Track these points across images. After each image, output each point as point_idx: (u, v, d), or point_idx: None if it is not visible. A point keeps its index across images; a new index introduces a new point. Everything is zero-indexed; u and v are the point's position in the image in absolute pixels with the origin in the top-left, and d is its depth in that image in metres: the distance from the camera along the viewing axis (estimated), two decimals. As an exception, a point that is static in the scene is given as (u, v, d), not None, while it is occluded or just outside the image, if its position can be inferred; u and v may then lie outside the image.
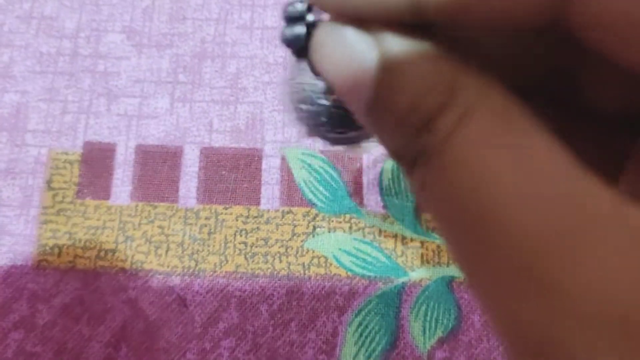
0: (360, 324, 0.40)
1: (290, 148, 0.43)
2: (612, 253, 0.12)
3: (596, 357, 0.11)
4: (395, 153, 0.16)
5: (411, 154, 0.15)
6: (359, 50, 0.15)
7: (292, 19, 0.18)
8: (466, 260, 0.14)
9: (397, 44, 0.15)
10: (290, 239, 0.41)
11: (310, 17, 0.18)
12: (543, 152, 0.13)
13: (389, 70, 0.15)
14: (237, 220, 0.42)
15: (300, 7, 0.18)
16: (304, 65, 0.20)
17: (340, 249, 0.41)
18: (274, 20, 0.47)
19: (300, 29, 0.18)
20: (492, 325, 0.14)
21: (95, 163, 0.43)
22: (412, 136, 0.15)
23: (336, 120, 0.24)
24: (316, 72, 0.19)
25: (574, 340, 0.12)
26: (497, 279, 0.13)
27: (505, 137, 0.13)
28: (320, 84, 0.23)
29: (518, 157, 0.13)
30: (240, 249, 0.41)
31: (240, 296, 0.40)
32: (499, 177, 0.13)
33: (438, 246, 0.41)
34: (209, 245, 0.41)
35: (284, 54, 0.46)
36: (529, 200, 0.13)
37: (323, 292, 0.40)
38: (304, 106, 0.24)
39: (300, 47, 0.18)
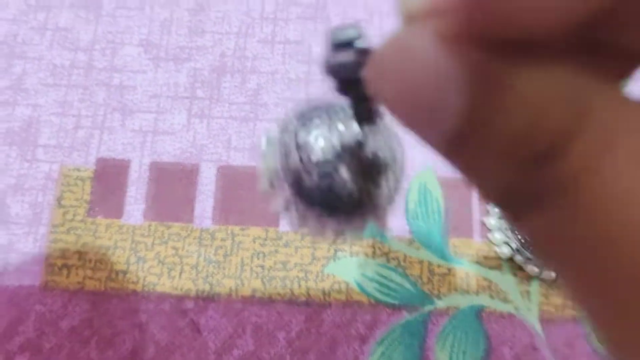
0: (383, 355, 0.37)
1: (311, 167, 0.41)
2: None
3: None
4: (498, 194, 0.13)
5: (524, 194, 0.12)
6: (449, 60, 0.12)
7: (340, 45, 0.16)
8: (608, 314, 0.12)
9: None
10: (310, 263, 0.39)
11: (360, 44, 0.15)
12: None
13: (492, 85, 0.12)
14: (254, 242, 0.40)
15: (352, 32, 0.15)
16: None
17: (362, 275, 0.39)
18: (297, 35, 0.45)
19: (349, 56, 0.15)
20: None
21: (108, 180, 0.41)
22: (528, 170, 0.12)
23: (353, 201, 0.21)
24: (364, 102, 0.17)
25: None
26: None
27: None
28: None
29: None
30: (257, 273, 0.39)
31: (256, 322, 0.38)
32: None
33: (467, 273, 0.39)
34: (224, 268, 0.39)
35: (307, 69, 0.44)
36: None
37: (344, 319, 0.38)
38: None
39: (347, 77, 0.16)
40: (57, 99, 0.43)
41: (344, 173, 0.21)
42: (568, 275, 0.12)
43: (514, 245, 0.39)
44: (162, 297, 0.38)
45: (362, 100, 0.18)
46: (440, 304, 0.38)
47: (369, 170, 0.21)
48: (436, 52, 0.12)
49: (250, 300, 0.38)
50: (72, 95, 0.43)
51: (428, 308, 0.38)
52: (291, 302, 0.38)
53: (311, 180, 0.20)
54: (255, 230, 0.40)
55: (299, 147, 0.21)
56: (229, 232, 0.40)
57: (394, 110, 0.13)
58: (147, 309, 0.38)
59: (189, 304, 0.38)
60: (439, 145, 0.13)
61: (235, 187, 0.41)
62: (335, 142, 0.21)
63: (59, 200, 0.41)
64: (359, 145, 0.21)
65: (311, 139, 0.21)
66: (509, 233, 0.39)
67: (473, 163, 0.13)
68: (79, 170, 0.41)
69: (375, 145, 0.21)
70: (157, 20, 0.45)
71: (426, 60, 0.12)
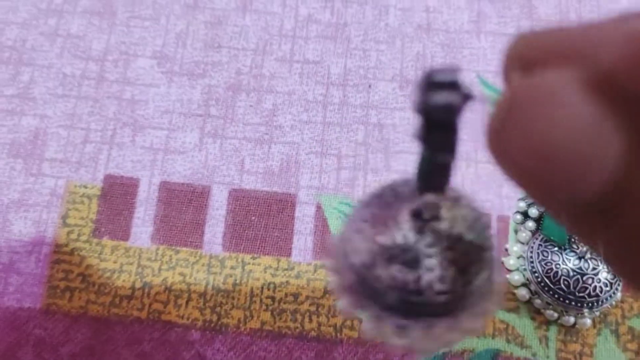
0: (394, 398, 0.36)
1: (326, 195, 0.40)
2: None
3: None
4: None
5: None
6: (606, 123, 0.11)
7: (439, 85, 0.14)
8: None
9: None
10: (322, 297, 0.38)
11: (464, 88, 0.14)
12: None
13: None
14: (265, 272, 0.38)
15: (452, 76, 0.14)
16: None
17: (376, 311, 0.37)
18: (316, 54, 0.43)
19: (453, 97, 0.14)
20: None
21: (116, 199, 0.40)
22: None
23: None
24: (442, 164, 0.15)
25: None
26: None
27: None
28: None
29: None
30: (267, 305, 0.38)
31: (264, 357, 0.37)
32: None
33: (483, 315, 0.38)
34: (233, 298, 0.38)
35: (324, 91, 0.42)
36: None
37: (355, 358, 0.37)
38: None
39: (442, 120, 0.14)
40: (66, 110, 0.41)
41: (428, 261, 0.16)
42: None
43: (532, 288, 0.37)
44: (168, 326, 0.37)
45: (443, 153, 0.15)
46: (456, 346, 0.37)
47: (458, 257, 0.17)
48: (587, 100, 0.10)
49: (259, 334, 0.37)
50: (81, 107, 0.42)
51: (443, 350, 0.37)
52: (301, 337, 0.37)
53: (385, 275, 0.17)
54: (267, 260, 0.38)
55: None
56: (239, 260, 0.38)
57: (521, 169, 0.12)
58: (152, 338, 0.37)
59: (196, 335, 0.37)
60: (575, 213, 0.11)
61: (247, 212, 0.39)
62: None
63: (64, 218, 0.39)
64: (433, 218, 0.17)
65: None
66: (528, 274, 0.37)
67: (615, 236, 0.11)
68: (85, 187, 0.40)
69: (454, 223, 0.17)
70: (173, 32, 0.44)
71: (576, 109, 0.10)
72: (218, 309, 0.37)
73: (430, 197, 0.17)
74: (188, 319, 0.37)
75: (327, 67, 0.43)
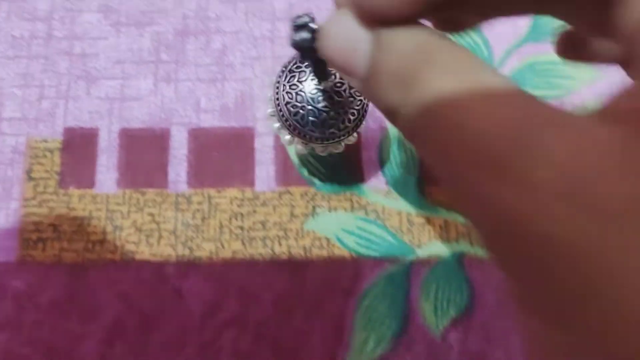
0: (368, 308, 0.37)
1: (283, 125, 0.41)
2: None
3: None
4: (387, 108, 0.20)
5: (400, 106, 0.19)
6: (359, 31, 0.20)
7: (299, 27, 0.23)
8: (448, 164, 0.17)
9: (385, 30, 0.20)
10: (289, 221, 0.39)
11: (313, 26, 0.23)
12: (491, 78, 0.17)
13: (381, 44, 0.19)
14: (231, 203, 0.39)
15: (306, 19, 0.23)
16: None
17: (342, 229, 0.39)
18: (259, -8, 0.44)
19: (306, 34, 0.23)
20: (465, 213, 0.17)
21: (77, 150, 0.40)
22: (403, 90, 0.18)
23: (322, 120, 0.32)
24: (319, 64, 0.28)
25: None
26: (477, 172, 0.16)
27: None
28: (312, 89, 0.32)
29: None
30: (237, 234, 0.39)
31: (239, 284, 0.38)
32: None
33: (445, 221, 0.39)
34: (203, 232, 0.39)
35: (271, 27, 0.43)
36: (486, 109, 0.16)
37: (327, 275, 0.38)
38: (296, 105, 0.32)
39: (306, 48, 0.23)
40: (19, 71, 0.42)
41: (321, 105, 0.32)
42: (435, 158, 0.18)
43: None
44: (142, 264, 0.38)
45: (318, 63, 0.28)
46: (422, 253, 0.38)
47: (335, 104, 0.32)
48: (353, 26, 0.20)
49: (232, 262, 0.38)
50: (33, 66, 0.42)
51: (410, 258, 0.38)
52: (273, 261, 0.38)
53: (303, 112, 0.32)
54: (232, 192, 0.39)
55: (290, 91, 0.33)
56: (205, 195, 0.39)
57: (333, 64, 0.21)
58: (128, 278, 0.38)
59: (170, 270, 0.38)
60: (357, 78, 0.20)
61: (208, 149, 0.40)
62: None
63: (28, 173, 0.40)
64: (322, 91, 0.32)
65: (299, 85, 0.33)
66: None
67: (375, 88, 0.20)
68: (46, 141, 0.40)
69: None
70: (116, -15, 0.44)
71: (349, 31, 0.20)
72: (189, 243, 0.38)
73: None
74: (161, 256, 0.38)
75: (270, 3, 0.44)
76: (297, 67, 0.33)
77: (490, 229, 0.16)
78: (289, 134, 0.34)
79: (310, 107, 0.32)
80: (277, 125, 0.34)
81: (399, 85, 0.18)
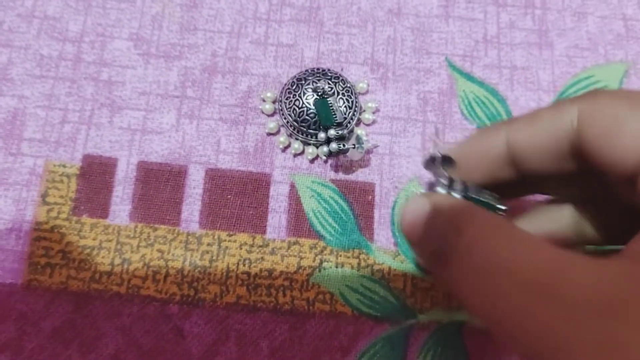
0: (364, 368, 0.38)
1: (300, 175, 0.41)
2: None
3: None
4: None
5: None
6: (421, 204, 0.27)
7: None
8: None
9: (439, 199, 0.27)
10: (295, 272, 0.39)
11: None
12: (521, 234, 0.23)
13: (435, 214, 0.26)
14: (241, 248, 0.40)
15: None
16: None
17: (347, 286, 0.39)
18: (290, 38, 0.45)
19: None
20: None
21: (94, 178, 0.41)
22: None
23: None
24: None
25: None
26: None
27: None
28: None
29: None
30: (242, 280, 0.39)
31: (240, 329, 0.38)
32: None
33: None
34: (210, 274, 0.39)
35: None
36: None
37: (327, 330, 0.38)
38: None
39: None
40: (44, 91, 0.42)
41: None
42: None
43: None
44: (146, 300, 0.38)
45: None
46: (423, 318, 0.39)
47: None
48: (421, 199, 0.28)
49: (235, 308, 0.38)
50: (59, 88, 0.42)
51: (410, 322, 0.39)
52: (275, 310, 0.39)
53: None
54: (242, 237, 0.40)
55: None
56: (215, 237, 0.40)
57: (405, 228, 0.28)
58: (131, 312, 0.38)
59: (173, 309, 0.38)
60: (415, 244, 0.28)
61: (223, 191, 0.41)
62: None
63: (43, 197, 0.40)
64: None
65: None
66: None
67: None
68: (64, 166, 0.41)
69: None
70: (149, 15, 0.45)
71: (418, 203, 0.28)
72: (195, 284, 0.39)
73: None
74: (166, 293, 0.39)
75: (300, 50, 0.44)
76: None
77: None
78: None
79: None
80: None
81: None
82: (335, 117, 0.39)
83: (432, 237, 0.26)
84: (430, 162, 0.29)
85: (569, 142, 0.26)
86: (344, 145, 0.39)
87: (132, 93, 0.43)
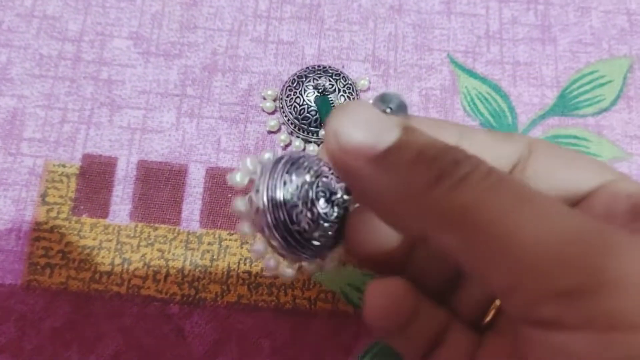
0: (367, 367, 0.38)
1: (301, 173, 0.41)
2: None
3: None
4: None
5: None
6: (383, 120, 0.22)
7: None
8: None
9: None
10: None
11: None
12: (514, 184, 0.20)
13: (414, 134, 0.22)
14: (241, 247, 0.39)
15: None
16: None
17: (349, 284, 0.39)
18: (290, 35, 0.44)
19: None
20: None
21: (94, 178, 0.40)
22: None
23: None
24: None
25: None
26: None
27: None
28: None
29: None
30: (243, 279, 0.39)
31: (241, 329, 0.38)
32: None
33: (452, 287, 0.39)
34: (210, 273, 0.39)
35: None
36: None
37: (329, 330, 0.38)
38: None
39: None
40: (43, 90, 0.42)
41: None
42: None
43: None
44: (147, 300, 0.38)
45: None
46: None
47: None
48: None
49: (236, 307, 0.38)
50: (58, 87, 0.42)
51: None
52: (277, 309, 0.38)
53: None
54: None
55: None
56: (216, 236, 0.39)
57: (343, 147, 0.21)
58: (132, 313, 0.38)
59: (174, 309, 0.38)
60: (362, 167, 0.21)
61: (223, 190, 0.40)
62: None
63: (43, 197, 0.40)
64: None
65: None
66: None
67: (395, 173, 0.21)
68: (64, 166, 0.40)
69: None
70: (149, 13, 0.44)
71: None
72: (196, 283, 0.38)
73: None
74: (167, 293, 0.38)
75: (301, 47, 0.44)
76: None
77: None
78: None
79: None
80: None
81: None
82: None
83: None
84: (381, 100, 0.23)
85: None
86: None
87: (132, 92, 0.42)
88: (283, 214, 0.24)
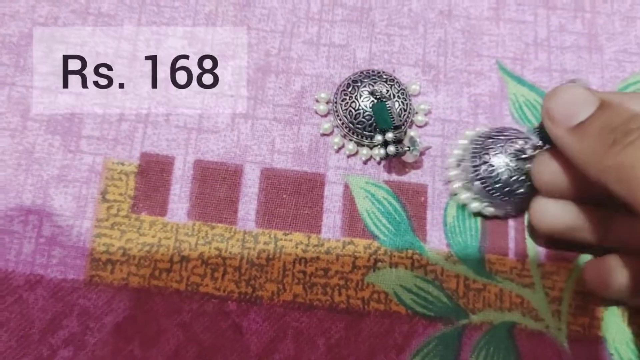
0: (419, 367, 0.39)
1: (353, 176, 0.42)
2: None
3: None
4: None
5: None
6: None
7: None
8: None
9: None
10: (350, 272, 0.40)
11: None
12: None
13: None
14: (296, 247, 0.40)
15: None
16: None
17: (401, 286, 0.40)
18: (342, 38, 0.45)
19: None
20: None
21: (152, 176, 0.41)
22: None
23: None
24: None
25: None
26: None
27: None
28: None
29: None
30: (299, 278, 0.40)
31: (297, 327, 0.39)
32: None
33: (501, 289, 0.40)
34: (267, 272, 0.40)
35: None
36: None
37: (382, 329, 0.39)
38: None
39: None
40: (101, 89, 0.43)
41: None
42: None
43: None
44: (205, 297, 0.39)
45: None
46: (475, 318, 0.40)
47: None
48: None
49: (292, 306, 0.39)
50: (115, 85, 0.43)
51: (463, 322, 0.39)
52: (331, 309, 0.39)
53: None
54: (298, 236, 0.41)
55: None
56: (272, 236, 0.41)
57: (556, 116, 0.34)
58: (191, 309, 0.39)
59: (232, 306, 0.39)
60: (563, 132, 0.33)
61: (278, 190, 0.41)
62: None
63: (103, 194, 0.41)
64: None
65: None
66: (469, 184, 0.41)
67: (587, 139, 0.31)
68: (123, 164, 0.41)
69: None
70: (202, 13, 0.45)
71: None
72: (252, 282, 0.40)
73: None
74: (224, 291, 0.39)
75: (352, 51, 0.45)
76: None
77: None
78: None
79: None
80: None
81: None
82: (394, 120, 0.40)
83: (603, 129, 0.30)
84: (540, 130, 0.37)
85: None
86: (401, 149, 0.39)
87: (187, 92, 0.43)
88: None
